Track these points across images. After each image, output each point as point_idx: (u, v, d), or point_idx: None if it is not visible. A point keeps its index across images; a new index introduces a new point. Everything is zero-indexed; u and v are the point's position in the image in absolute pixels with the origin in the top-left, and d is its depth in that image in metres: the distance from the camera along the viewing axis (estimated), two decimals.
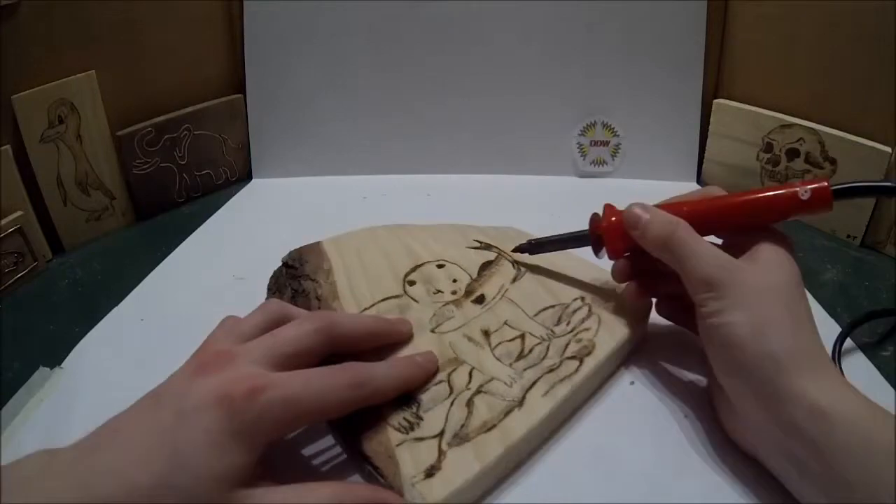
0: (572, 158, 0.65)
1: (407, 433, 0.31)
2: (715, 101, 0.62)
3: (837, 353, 0.39)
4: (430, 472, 0.29)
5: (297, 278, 0.42)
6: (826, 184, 0.33)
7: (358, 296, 0.40)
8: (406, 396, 0.32)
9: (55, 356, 0.41)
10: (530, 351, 0.36)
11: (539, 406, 0.33)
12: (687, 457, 0.33)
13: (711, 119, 0.63)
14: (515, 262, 0.43)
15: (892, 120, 0.50)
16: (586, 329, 0.37)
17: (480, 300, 0.40)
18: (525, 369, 0.35)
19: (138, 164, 0.59)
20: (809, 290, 0.46)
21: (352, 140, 0.66)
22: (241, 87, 0.65)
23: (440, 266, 0.42)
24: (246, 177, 0.67)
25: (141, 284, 0.49)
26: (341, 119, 0.65)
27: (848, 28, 0.53)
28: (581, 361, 0.35)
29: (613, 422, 0.35)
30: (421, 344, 0.36)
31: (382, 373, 0.31)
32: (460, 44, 0.62)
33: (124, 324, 0.45)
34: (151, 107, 0.60)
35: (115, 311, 0.46)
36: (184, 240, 0.56)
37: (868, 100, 0.52)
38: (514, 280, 0.41)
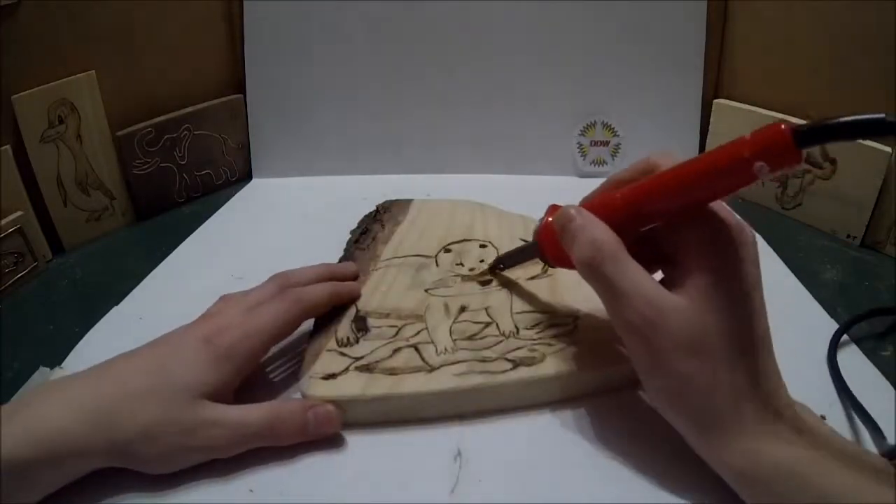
0: (572, 158, 0.65)
1: (339, 346, 0.37)
2: (715, 101, 0.62)
3: (833, 352, 0.39)
4: (328, 377, 0.35)
5: (375, 220, 0.51)
6: (782, 125, 0.24)
7: (399, 247, 0.46)
8: (362, 323, 0.39)
9: (55, 356, 0.41)
10: (484, 338, 0.38)
11: (443, 380, 0.35)
12: (687, 456, 0.33)
13: (711, 119, 0.63)
14: (545, 266, 0.43)
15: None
16: (550, 344, 0.37)
17: (487, 283, 0.43)
18: (462, 349, 0.37)
19: (138, 164, 0.59)
20: (809, 290, 0.47)
21: (352, 140, 0.66)
22: (241, 87, 0.65)
23: (483, 246, 0.47)
24: (246, 177, 0.67)
25: (141, 284, 0.49)
26: (341, 119, 0.65)
27: (848, 28, 0.53)
28: (515, 367, 0.36)
29: (613, 422, 0.35)
30: (409, 296, 0.41)
31: (313, 291, 0.38)
32: (460, 44, 0.63)
33: (124, 324, 0.45)
34: (151, 107, 0.60)
35: (114, 311, 0.46)
36: (184, 240, 0.56)
37: (868, 100, 0.52)
38: (532, 278, 0.43)
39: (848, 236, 0.54)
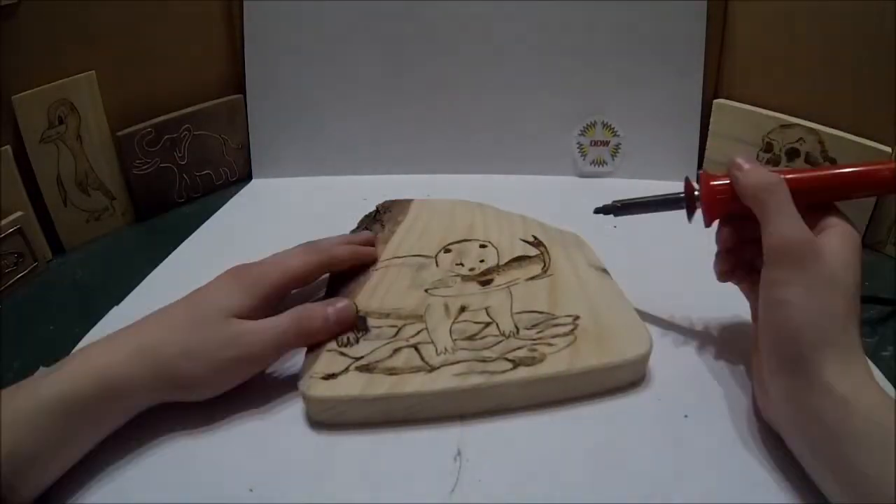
0: (572, 158, 0.65)
1: (340, 346, 0.37)
2: (715, 101, 0.62)
3: None
4: (328, 377, 0.35)
5: (375, 220, 0.51)
6: None
7: (399, 247, 0.47)
8: (363, 322, 0.39)
9: (55, 356, 0.41)
10: (483, 338, 0.38)
11: (443, 380, 0.35)
12: (687, 457, 0.33)
13: (711, 119, 0.63)
14: (545, 266, 0.44)
15: (892, 120, 0.50)
16: (551, 344, 0.37)
17: (487, 283, 0.43)
18: (462, 349, 0.37)
19: (138, 165, 0.59)
20: None
21: (352, 140, 0.66)
22: (241, 87, 0.65)
23: (483, 246, 0.47)
24: (246, 177, 0.67)
25: (141, 284, 0.49)
26: (341, 119, 0.65)
27: (848, 28, 0.53)
28: (515, 367, 0.36)
29: (614, 422, 0.35)
30: (409, 296, 0.41)
31: (337, 247, 0.43)
32: (460, 44, 0.62)
33: (124, 324, 0.44)
34: (151, 107, 0.60)
35: (114, 311, 0.46)
36: (184, 240, 0.56)
37: (868, 100, 0.52)
38: (532, 278, 0.43)
39: None
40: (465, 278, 0.43)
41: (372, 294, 0.42)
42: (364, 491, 0.32)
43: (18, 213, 0.50)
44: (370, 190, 0.57)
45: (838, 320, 0.30)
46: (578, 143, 0.65)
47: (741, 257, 0.37)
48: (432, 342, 0.38)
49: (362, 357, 0.36)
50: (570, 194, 0.61)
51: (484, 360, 0.36)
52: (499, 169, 0.65)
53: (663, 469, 0.32)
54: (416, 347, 0.37)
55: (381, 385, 0.35)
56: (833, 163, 0.54)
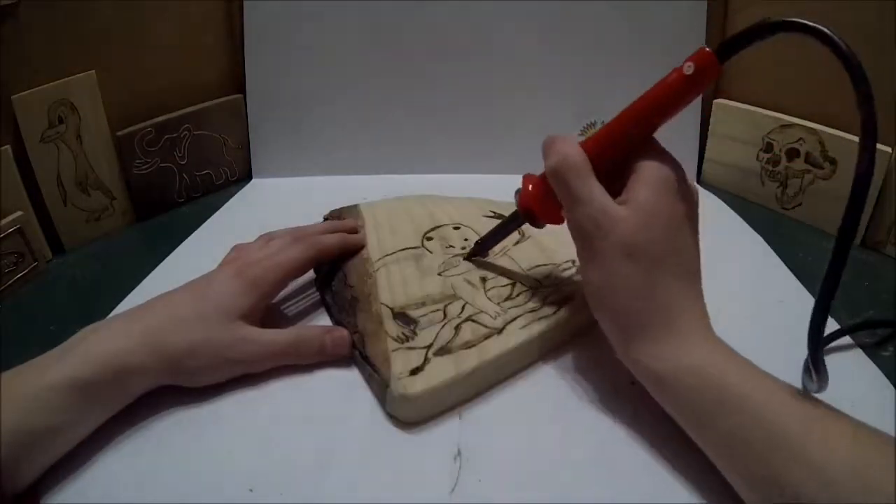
0: None
1: (402, 343, 0.37)
2: (715, 101, 0.62)
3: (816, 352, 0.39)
4: (415, 372, 0.35)
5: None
6: (705, 48, 0.32)
7: (383, 245, 0.46)
8: (406, 317, 0.39)
9: None
10: (518, 295, 0.42)
11: (516, 335, 0.38)
12: (687, 457, 0.33)
13: (711, 119, 0.63)
14: (521, 232, 0.47)
15: (892, 120, 0.50)
16: (568, 284, 0.43)
17: (485, 255, 0.45)
18: (510, 308, 0.40)
19: (138, 164, 0.59)
20: (809, 291, 0.47)
21: (352, 140, 0.66)
22: (241, 87, 0.65)
23: (456, 228, 0.49)
24: (246, 177, 0.67)
25: (141, 284, 0.49)
26: (341, 119, 0.65)
27: (848, 28, 0.52)
28: (559, 307, 0.41)
29: (613, 422, 0.35)
30: (427, 282, 0.42)
31: (327, 237, 0.44)
32: (460, 44, 0.62)
33: None
34: (151, 107, 0.60)
35: (115, 311, 0.46)
36: (184, 240, 0.56)
37: None
38: (517, 243, 0.47)
39: None
40: (463, 257, 0.45)
41: (392, 291, 0.42)
42: (364, 491, 0.32)
43: (18, 213, 0.50)
44: (370, 190, 0.57)
45: (630, 291, 0.31)
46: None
47: None
48: (481, 311, 0.40)
49: (432, 344, 0.37)
50: None
51: (533, 311, 0.40)
52: (499, 169, 0.65)
53: (663, 469, 0.32)
54: (471, 319, 0.39)
55: (468, 359, 0.36)
56: (833, 163, 0.54)
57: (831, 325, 0.42)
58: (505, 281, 0.43)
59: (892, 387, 0.37)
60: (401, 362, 0.36)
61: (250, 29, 0.63)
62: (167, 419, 0.36)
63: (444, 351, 0.37)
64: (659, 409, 0.33)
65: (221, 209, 0.61)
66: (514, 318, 0.39)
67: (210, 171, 0.65)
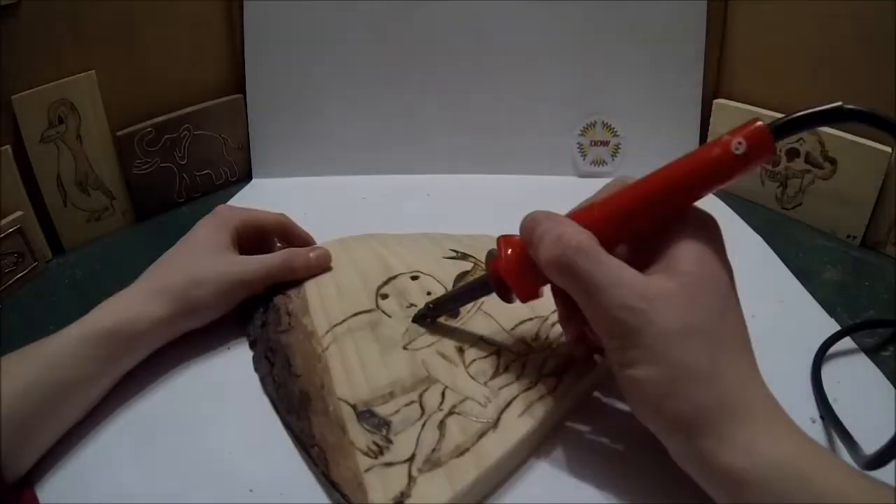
0: (572, 158, 0.65)
1: (376, 457, 0.30)
2: (715, 101, 0.62)
3: (819, 358, 0.39)
4: (400, 501, 0.28)
5: (268, 294, 0.42)
6: (760, 123, 0.26)
7: (329, 311, 0.39)
8: (376, 419, 0.32)
9: None
10: (506, 368, 0.34)
11: (515, 427, 0.31)
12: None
13: (711, 119, 0.63)
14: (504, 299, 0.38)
15: (892, 120, 0.50)
16: (565, 343, 0.35)
17: (455, 314, 0.38)
18: (501, 388, 0.33)
19: (138, 164, 0.59)
20: (809, 291, 0.47)
21: (352, 140, 0.66)
22: (241, 87, 0.65)
23: (414, 278, 0.41)
24: (246, 177, 0.67)
25: None
26: (341, 119, 0.65)
27: (848, 28, 0.53)
28: (559, 378, 0.34)
29: (613, 422, 0.35)
30: (392, 361, 0.35)
31: (294, 258, 0.43)
32: (460, 44, 0.62)
33: None
34: (151, 107, 0.60)
35: None
36: None
37: (868, 100, 0.52)
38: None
39: (848, 236, 0.54)
40: (413, 319, 0.38)
41: (349, 380, 0.34)
42: None
43: (18, 213, 0.50)
44: (370, 190, 0.57)
45: (701, 380, 0.25)
46: (578, 143, 0.65)
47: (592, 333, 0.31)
48: (466, 398, 0.33)
49: (414, 455, 0.30)
50: (570, 194, 0.60)
51: (529, 388, 0.33)
52: (499, 169, 0.65)
53: (663, 469, 0.32)
54: (455, 412, 0.32)
55: (464, 472, 0.29)
56: (833, 163, 0.54)
57: (832, 327, 0.42)
58: (487, 349, 0.35)
59: (892, 387, 0.37)
60: (379, 487, 0.28)
61: (250, 29, 0.63)
62: (167, 419, 0.36)
63: (431, 464, 0.29)
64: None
65: None
66: (509, 404, 0.32)
67: (210, 171, 0.65)
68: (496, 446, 0.30)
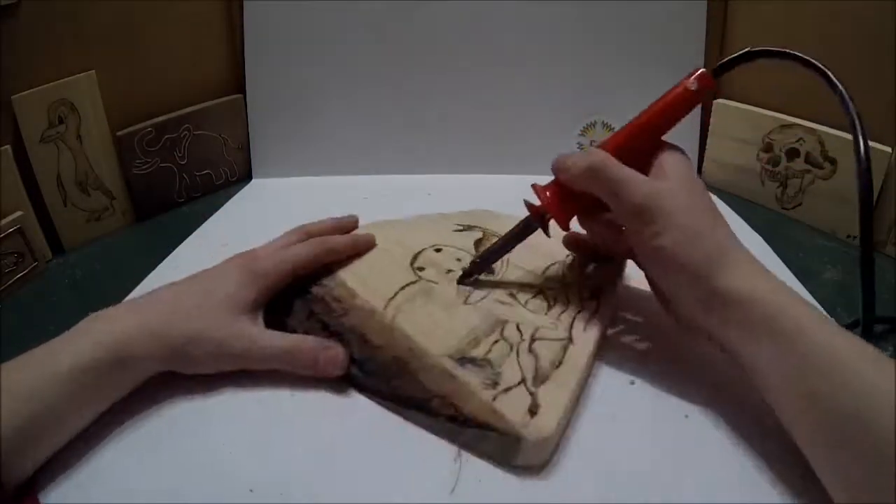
0: None
1: (494, 388, 0.34)
2: (715, 101, 0.62)
3: None
4: (533, 411, 0.33)
5: (304, 288, 0.41)
6: (703, 69, 0.38)
7: (377, 289, 0.41)
8: (475, 361, 0.36)
9: None
10: (555, 300, 0.41)
11: (586, 339, 0.38)
12: (687, 457, 0.33)
13: (711, 119, 0.63)
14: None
15: (892, 120, 0.50)
16: (588, 277, 0.43)
17: (491, 272, 0.43)
18: (559, 315, 0.39)
19: (138, 164, 0.59)
20: (809, 290, 0.47)
21: (352, 140, 0.66)
22: (241, 87, 0.65)
23: (437, 250, 0.45)
24: (246, 177, 0.67)
25: (141, 284, 0.49)
26: (341, 119, 0.65)
27: (848, 28, 0.53)
28: (598, 300, 0.41)
29: (614, 422, 0.35)
30: (461, 315, 0.39)
31: (336, 238, 0.44)
32: (460, 44, 0.63)
33: None
34: (151, 107, 0.60)
35: None
36: (184, 240, 0.56)
37: (868, 100, 0.52)
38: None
39: (848, 236, 0.54)
40: (458, 281, 0.42)
41: (430, 336, 0.37)
42: (364, 491, 0.32)
43: (18, 213, 0.50)
44: (370, 190, 0.57)
45: (706, 234, 0.34)
46: (578, 143, 0.65)
47: (614, 234, 0.40)
48: (538, 327, 0.38)
49: (523, 377, 0.35)
50: None
51: (580, 311, 0.40)
52: (499, 169, 0.65)
53: (663, 469, 0.32)
54: (536, 339, 0.37)
55: (568, 377, 0.35)
56: (833, 163, 0.54)
57: None
58: (531, 290, 0.42)
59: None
60: (512, 408, 0.33)
61: (250, 29, 0.63)
62: (167, 419, 0.36)
63: (540, 379, 0.35)
64: (655, 413, 0.33)
65: (221, 209, 0.61)
66: (572, 324, 0.39)
67: (210, 171, 0.65)
68: (580, 354, 0.37)
